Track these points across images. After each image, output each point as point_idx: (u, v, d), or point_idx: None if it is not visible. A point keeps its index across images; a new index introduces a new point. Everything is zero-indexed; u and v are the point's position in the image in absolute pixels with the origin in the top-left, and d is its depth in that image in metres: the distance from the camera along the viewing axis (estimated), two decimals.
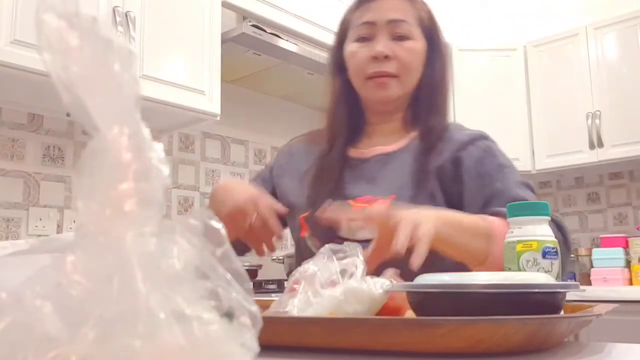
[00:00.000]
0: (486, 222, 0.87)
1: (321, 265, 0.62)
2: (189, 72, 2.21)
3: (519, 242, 0.68)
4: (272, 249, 0.99)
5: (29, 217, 2.13)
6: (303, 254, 0.98)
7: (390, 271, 0.66)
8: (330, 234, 1.00)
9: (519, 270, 0.66)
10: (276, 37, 2.47)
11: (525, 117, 3.31)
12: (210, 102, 2.27)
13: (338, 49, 1.13)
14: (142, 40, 2.05)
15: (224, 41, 2.36)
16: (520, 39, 3.42)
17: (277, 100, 3.07)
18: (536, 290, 0.50)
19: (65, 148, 2.26)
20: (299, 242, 1.08)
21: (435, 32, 1.11)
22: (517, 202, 0.73)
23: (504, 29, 3.57)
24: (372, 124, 1.13)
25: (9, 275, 0.28)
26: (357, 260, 0.62)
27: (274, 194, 1.14)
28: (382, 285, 0.58)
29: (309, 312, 0.57)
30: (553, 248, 0.67)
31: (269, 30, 2.45)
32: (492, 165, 1.00)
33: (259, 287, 2.44)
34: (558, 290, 0.52)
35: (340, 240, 0.96)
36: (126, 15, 2.00)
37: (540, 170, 3.25)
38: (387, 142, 1.10)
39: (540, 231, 0.68)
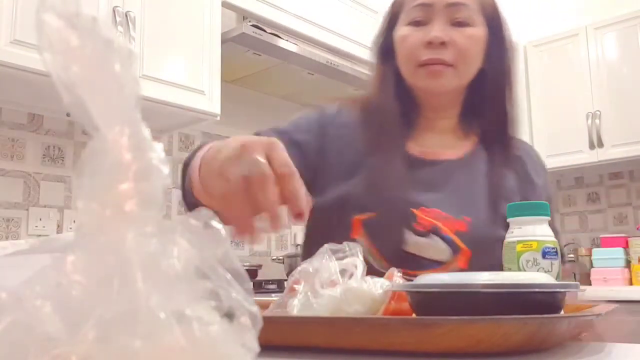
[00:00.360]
0: None
1: (321, 265, 0.62)
2: (188, 72, 2.21)
3: (519, 242, 0.68)
4: (277, 225, 0.56)
5: (29, 217, 2.13)
6: None
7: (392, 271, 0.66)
8: (395, 246, 0.88)
9: (519, 270, 0.66)
10: (276, 37, 2.47)
11: (525, 117, 3.31)
12: (210, 102, 2.27)
13: (386, 34, 1.02)
14: (142, 40, 2.05)
15: (224, 41, 2.36)
16: (520, 39, 3.42)
17: (277, 100, 3.07)
18: (536, 290, 0.50)
19: (65, 148, 2.26)
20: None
21: (499, 22, 1.00)
22: (516, 202, 0.73)
23: None
24: (426, 118, 1.02)
25: (9, 275, 0.28)
26: (357, 260, 0.62)
27: (312, 152, 0.96)
28: (382, 285, 0.58)
29: (309, 312, 0.57)
30: (553, 248, 0.67)
31: (269, 30, 2.45)
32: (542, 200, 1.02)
33: (259, 287, 2.44)
34: (558, 290, 0.52)
35: (405, 253, 0.89)
36: (126, 15, 1.99)
37: None
38: (446, 142, 1.01)
39: (540, 231, 0.68)
